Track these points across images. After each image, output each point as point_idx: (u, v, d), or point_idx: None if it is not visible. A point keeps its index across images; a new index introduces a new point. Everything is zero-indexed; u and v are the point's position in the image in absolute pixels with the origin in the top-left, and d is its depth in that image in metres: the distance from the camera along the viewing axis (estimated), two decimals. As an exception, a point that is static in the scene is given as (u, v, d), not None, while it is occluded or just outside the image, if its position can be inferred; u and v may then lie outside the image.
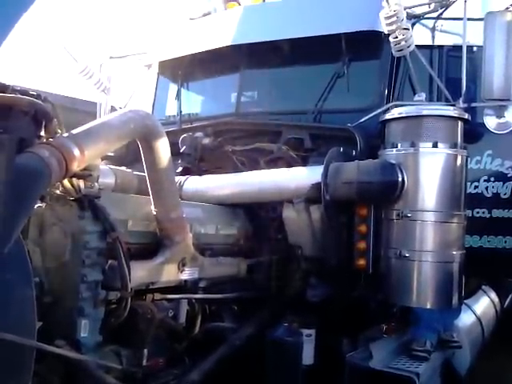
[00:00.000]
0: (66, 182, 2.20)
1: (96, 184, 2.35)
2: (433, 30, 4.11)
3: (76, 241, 2.23)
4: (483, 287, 5.06)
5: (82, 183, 2.27)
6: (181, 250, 2.69)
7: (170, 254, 2.63)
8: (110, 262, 2.32)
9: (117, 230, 2.30)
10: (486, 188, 3.98)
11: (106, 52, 5.24)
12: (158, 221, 2.63)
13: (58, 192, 2.25)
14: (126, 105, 5.21)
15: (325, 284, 3.34)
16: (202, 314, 2.92)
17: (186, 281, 2.76)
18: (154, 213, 2.61)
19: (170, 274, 2.65)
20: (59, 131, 2.11)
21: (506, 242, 3.97)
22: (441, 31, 4.09)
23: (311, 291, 3.31)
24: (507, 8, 3.47)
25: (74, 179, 2.22)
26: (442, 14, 4.00)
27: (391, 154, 3.34)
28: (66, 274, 2.21)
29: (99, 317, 2.25)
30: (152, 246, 2.65)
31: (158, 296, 2.57)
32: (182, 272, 2.71)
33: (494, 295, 5.22)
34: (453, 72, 3.94)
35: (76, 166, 2.03)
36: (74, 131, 2.11)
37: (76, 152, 1.99)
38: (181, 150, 4.08)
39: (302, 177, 3.46)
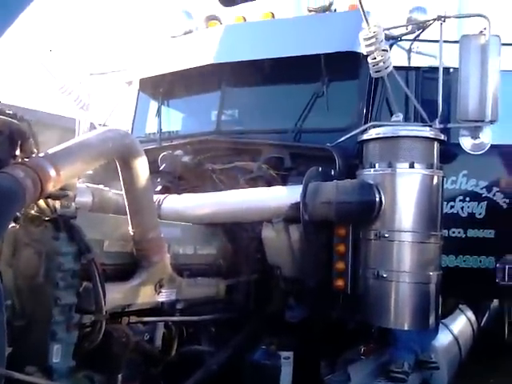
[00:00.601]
0: (41, 201, 2.16)
1: (72, 203, 2.31)
2: (410, 51, 4.20)
3: (50, 262, 2.18)
4: (460, 306, 5.10)
5: (57, 203, 2.22)
6: (158, 271, 2.65)
7: (147, 275, 2.59)
8: (84, 283, 2.27)
9: (92, 251, 2.25)
10: (462, 208, 4.05)
11: (86, 68, 5.21)
12: (136, 241, 2.59)
13: (32, 212, 2.20)
14: (106, 121, 5.18)
15: (303, 305, 3.32)
16: (178, 336, 2.87)
17: (162, 303, 2.71)
18: (132, 233, 2.58)
19: (147, 295, 2.60)
20: (35, 150, 2.07)
21: (480, 261, 4.03)
22: (417, 53, 4.19)
23: (290, 312, 3.29)
24: (481, 31, 3.55)
25: (50, 199, 2.18)
26: (419, 35, 4.09)
27: (369, 174, 3.38)
28: (38, 296, 2.15)
29: (72, 341, 2.19)
30: (129, 267, 2.60)
31: (133, 319, 2.52)
32: (158, 294, 2.67)
33: (470, 314, 5.27)
34: (429, 93, 4.02)
35: (52, 187, 2.00)
36: (51, 150, 2.08)
37: (52, 172, 1.96)
38: (160, 168, 4.05)
39: (281, 196, 3.46)
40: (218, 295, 3.21)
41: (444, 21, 3.67)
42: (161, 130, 4.77)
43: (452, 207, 4.02)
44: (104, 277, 2.28)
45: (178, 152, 4.12)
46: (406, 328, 3.23)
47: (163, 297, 2.71)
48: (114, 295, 2.38)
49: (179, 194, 3.81)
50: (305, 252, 3.33)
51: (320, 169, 3.49)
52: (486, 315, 5.78)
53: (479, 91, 3.48)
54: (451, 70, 3.96)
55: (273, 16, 4.50)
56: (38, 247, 2.20)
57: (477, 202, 4.05)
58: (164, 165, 4.06)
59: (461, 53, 3.53)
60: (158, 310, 2.70)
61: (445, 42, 3.75)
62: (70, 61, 5.26)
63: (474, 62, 3.51)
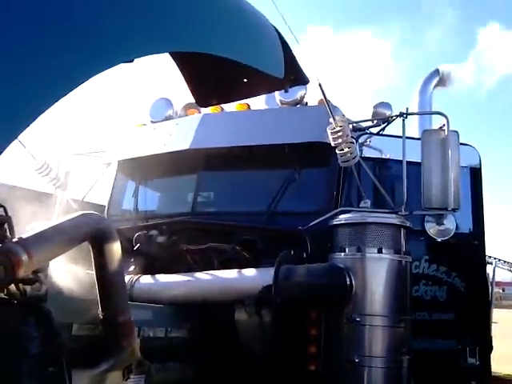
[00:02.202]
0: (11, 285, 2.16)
1: (43, 286, 2.31)
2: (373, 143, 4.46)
3: (16, 347, 2.14)
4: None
5: (28, 286, 2.23)
6: (127, 356, 2.61)
7: (115, 360, 2.54)
8: (50, 370, 2.22)
9: (60, 336, 2.23)
10: (426, 292, 4.18)
11: (65, 149, 5.34)
12: (105, 325, 2.57)
13: (1, 295, 2.19)
14: (84, 198, 5.25)
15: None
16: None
17: (130, 389, 2.65)
18: (101, 316, 2.56)
19: (114, 382, 2.54)
20: (9, 236, 2.11)
21: (444, 343, 4.10)
22: (379, 145, 4.45)
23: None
24: (440, 127, 3.83)
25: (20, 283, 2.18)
26: (383, 129, 4.36)
27: (339, 258, 3.47)
28: None
29: (32, 433, 2.11)
30: (97, 352, 2.56)
31: (98, 407, 2.45)
32: (126, 380, 2.60)
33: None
34: (395, 181, 4.21)
35: (24, 271, 2.02)
36: (25, 236, 2.12)
37: (24, 258, 1.98)
38: (134, 248, 4.08)
39: (254, 278, 3.50)
40: (187, 381, 3.14)
41: (406, 117, 3.94)
42: (137, 209, 4.84)
43: (417, 291, 4.14)
44: (70, 362, 2.25)
45: (153, 232, 4.18)
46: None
47: (131, 383, 2.65)
48: (80, 382, 2.33)
49: (152, 274, 3.82)
50: (276, 334, 3.33)
51: (292, 252, 3.57)
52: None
53: (441, 181, 3.67)
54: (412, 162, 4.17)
55: (248, 107, 4.77)
56: (5, 332, 2.17)
57: (438, 286, 4.20)
58: (138, 244, 4.10)
59: (423, 146, 3.76)
60: (124, 397, 2.63)
61: (407, 137, 3.97)
62: (50, 141, 5.39)
63: (435, 155, 3.74)
